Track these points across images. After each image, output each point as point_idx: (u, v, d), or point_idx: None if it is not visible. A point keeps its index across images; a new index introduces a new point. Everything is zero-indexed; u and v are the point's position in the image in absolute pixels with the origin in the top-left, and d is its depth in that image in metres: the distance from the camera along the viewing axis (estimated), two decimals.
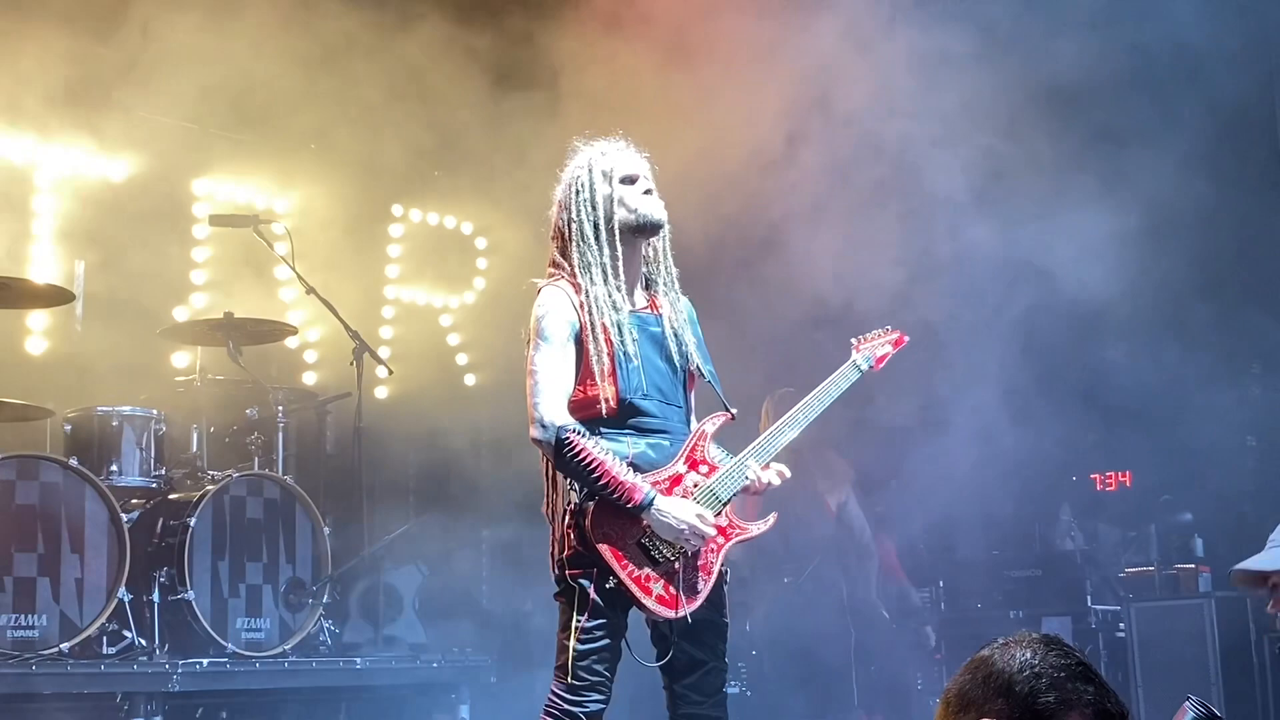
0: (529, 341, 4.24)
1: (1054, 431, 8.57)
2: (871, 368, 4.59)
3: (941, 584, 8.67)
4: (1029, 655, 2.30)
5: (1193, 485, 8.27)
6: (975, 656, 2.37)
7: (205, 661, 6.65)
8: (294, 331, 8.47)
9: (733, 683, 8.59)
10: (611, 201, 4.31)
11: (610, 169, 4.35)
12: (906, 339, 4.73)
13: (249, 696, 7.09)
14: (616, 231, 4.29)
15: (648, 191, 4.35)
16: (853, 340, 4.65)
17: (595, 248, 4.27)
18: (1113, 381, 8.20)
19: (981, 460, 8.03)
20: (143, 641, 6.67)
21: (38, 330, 8.06)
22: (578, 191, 4.34)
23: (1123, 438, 8.53)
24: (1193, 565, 7.82)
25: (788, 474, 4.30)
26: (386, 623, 7.88)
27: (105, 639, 6.63)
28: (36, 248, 8.14)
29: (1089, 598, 8.02)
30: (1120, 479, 8.85)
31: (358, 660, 7.32)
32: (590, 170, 4.36)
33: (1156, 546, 8.03)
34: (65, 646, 6.33)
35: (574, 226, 4.31)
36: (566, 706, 4.04)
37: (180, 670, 6.41)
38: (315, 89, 9.37)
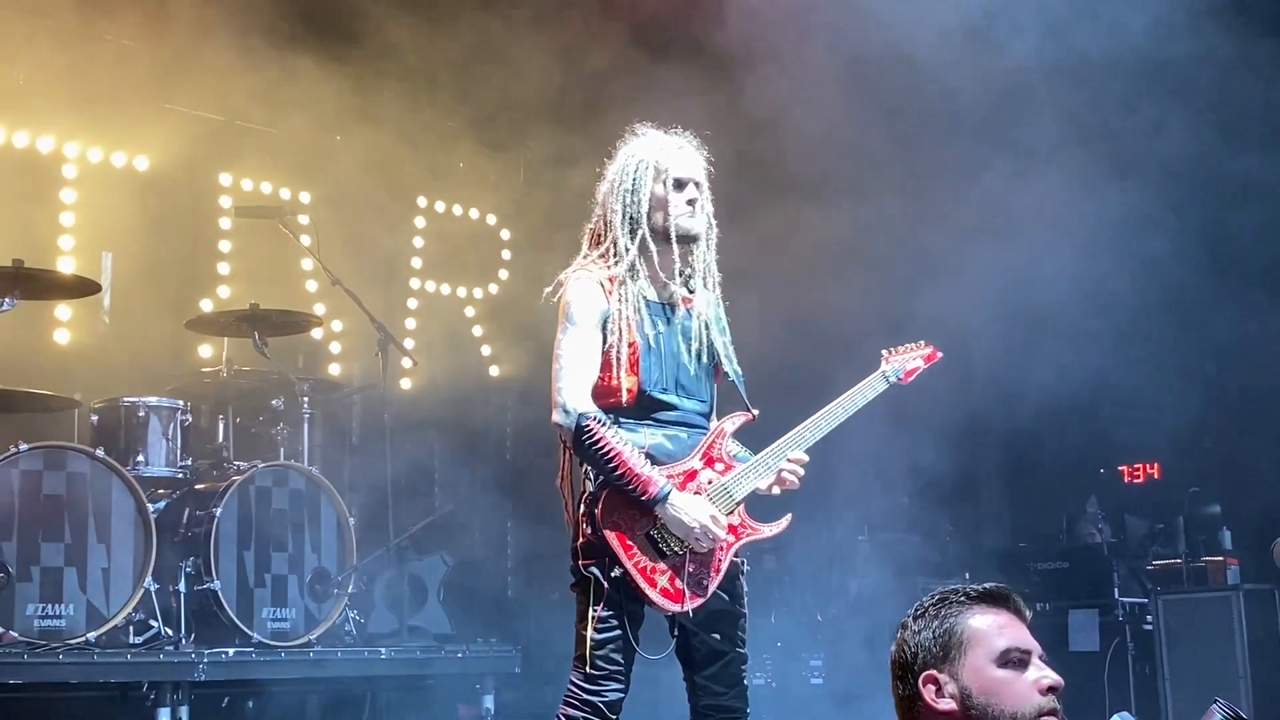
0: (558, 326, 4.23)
1: (1081, 422, 8.54)
2: (900, 380, 4.53)
3: (968, 576, 8.63)
4: (912, 625, 2.66)
5: (1221, 477, 8.22)
6: (892, 664, 2.69)
7: (231, 651, 6.67)
8: (319, 323, 8.50)
9: (757, 675, 8.60)
10: (660, 202, 4.25)
11: (665, 167, 4.27)
12: (940, 355, 4.66)
13: (274, 686, 7.11)
14: (656, 231, 4.26)
15: (691, 202, 4.27)
16: (884, 351, 4.58)
17: (632, 241, 4.24)
18: (1141, 373, 8.16)
19: (1009, 450, 8.02)
20: (169, 631, 6.69)
21: (65, 321, 8.11)
22: (625, 183, 4.28)
23: (1151, 429, 8.48)
24: (1221, 557, 7.76)
25: (805, 459, 4.26)
26: (411, 613, 7.89)
27: (132, 628, 6.66)
28: (63, 240, 8.19)
29: (1116, 590, 7.97)
30: (1148, 470, 8.81)
31: (383, 650, 7.33)
32: (642, 164, 4.29)
33: (1184, 538, 7.98)
34: (92, 636, 6.37)
35: (614, 217, 4.28)
36: (585, 696, 4.04)
37: (206, 660, 6.44)
38: (340, 81, 9.41)
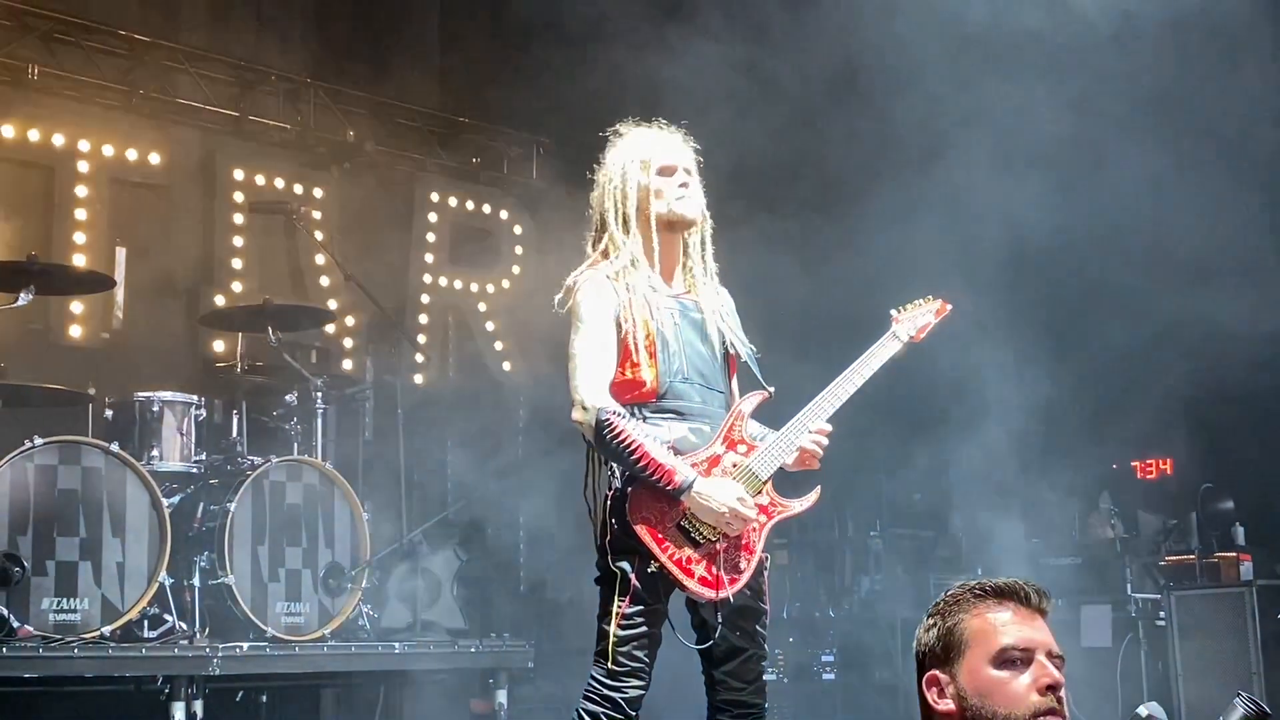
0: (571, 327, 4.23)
1: (1093, 418, 8.52)
2: (912, 339, 4.45)
3: (980, 571, 8.63)
4: (924, 624, 2.66)
5: (1234, 472, 8.19)
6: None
7: (245, 645, 6.69)
8: (332, 318, 8.52)
9: (770, 669, 8.60)
10: (647, 191, 4.28)
11: (648, 158, 4.31)
12: (950, 308, 4.56)
13: (288, 680, 7.14)
14: (651, 222, 4.28)
15: (683, 185, 4.30)
16: (892, 311, 4.50)
17: (630, 236, 4.26)
18: (1155, 368, 8.14)
19: (1021, 446, 7.99)
20: (183, 625, 6.71)
21: (78, 316, 8.12)
22: (615, 181, 4.31)
23: (1165, 425, 8.46)
24: (1234, 553, 7.75)
25: (828, 429, 4.22)
26: (424, 608, 7.90)
27: (146, 623, 6.67)
28: (77, 235, 8.20)
29: (1129, 586, 7.97)
30: (1161, 466, 8.79)
31: (396, 645, 7.34)
32: (629, 160, 4.32)
33: (1197, 534, 7.96)
34: (107, 630, 6.38)
35: (608, 216, 4.31)
36: (606, 692, 4.03)
37: (220, 654, 6.45)
38: (353, 77, 9.43)
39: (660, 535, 4.03)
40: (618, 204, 4.30)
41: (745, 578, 4.11)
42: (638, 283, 4.21)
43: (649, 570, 4.02)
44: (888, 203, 7.68)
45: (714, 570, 4.05)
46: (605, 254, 4.31)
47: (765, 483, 4.16)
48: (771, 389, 4.31)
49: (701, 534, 4.05)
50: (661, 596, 4.08)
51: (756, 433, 4.26)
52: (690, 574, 4.03)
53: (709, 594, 4.04)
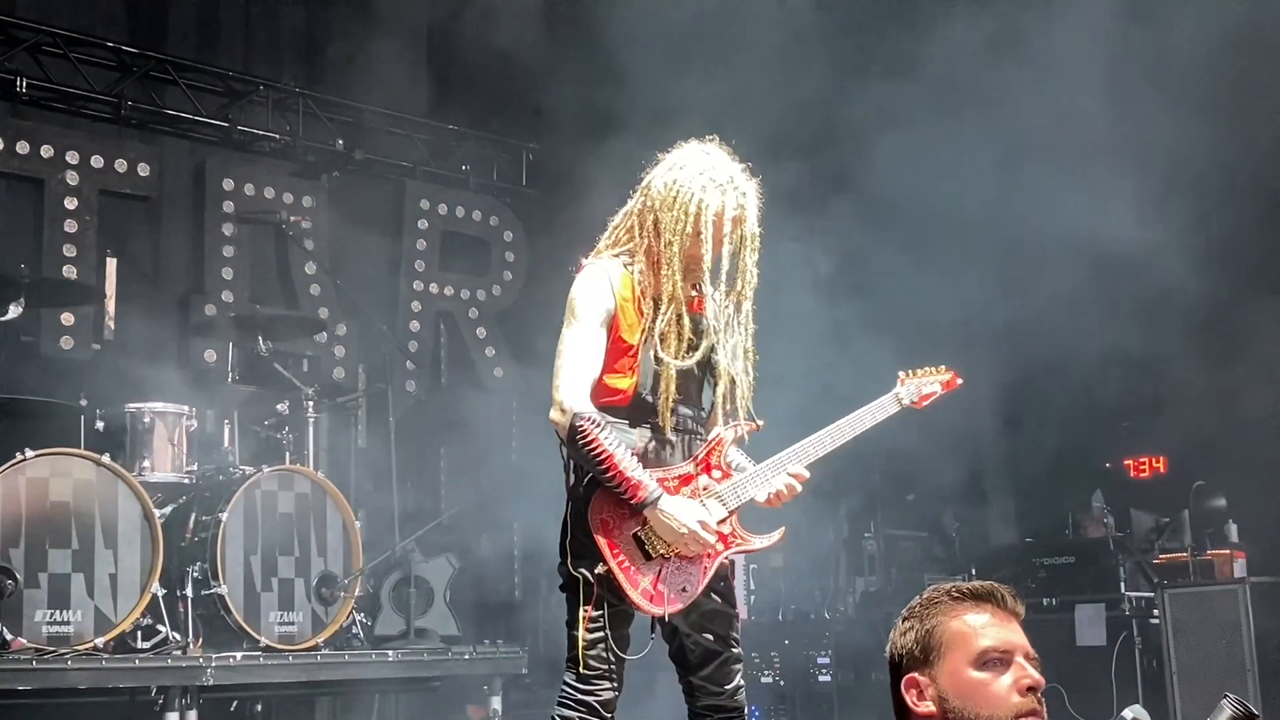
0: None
1: (1087, 416, 8.54)
2: (913, 403, 4.41)
3: (974, 572, 8.64)
4: (900, 626, 2.68)
5: (1227, 470, 8.21)
6: (887, 662, 2.71)
7: (238, 655, 6.68)
8: (323, 327, 8.51)
9: (765, 673, 8.61)
10: (699, 245, 4.08)
11: (720, 210, 4.06)
12: (960, 382, 4.50)
13: (282, 689, 7.13)
14: (699, 259, 4.11)
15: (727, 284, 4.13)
16: (900, 373, 4.45)
17: (663, 259, 4.11)
18: (1144, 366, 8.16)
19: (1013, 446, 8.02)
20: (176, 636, 6.71)
21: (69, 328, 8.11)
22: (678, 211, 4.08)
23: (1157, 423, 8.48)
24: (1227, 550, 7.76)
25: (806, 475, 4.16)
26: (418, 615, 7.90)
27: (139, 634, 6.67)
28: (67, 247, 8.19)
29: (1122, 584, 7.97)
30: (1154, 464, 8.80)
31: (390, 653, 7.34)
32: (707, 209, 4.07)
33: (1190, 532, 7.97)
34: (100, 641, 6.39)
35: (659, 238, 4.12)
36: (580, 696, 4.03)
37: (214, 664, 6.45)
38: (342, 85, 9.43)
39: (614, 541, 4.01)
40: (669, 240, 4.10)
41: (689, 599, 4.07)
42: (644, 296, 4.13)
43: (596, 571, 4.00)
44: None
45: (659, 586, 4.03)
46: (620, 254, 4.18)
47: (731, 512, 4.13)
48: (761, 421, 4.22)
49: (655, 549, 4.03)
50: (622, 597, 4.05)
51: (735, 462, 4.20)
52: (635, 584, 4.00)
53: (650, 608, 4.02)
